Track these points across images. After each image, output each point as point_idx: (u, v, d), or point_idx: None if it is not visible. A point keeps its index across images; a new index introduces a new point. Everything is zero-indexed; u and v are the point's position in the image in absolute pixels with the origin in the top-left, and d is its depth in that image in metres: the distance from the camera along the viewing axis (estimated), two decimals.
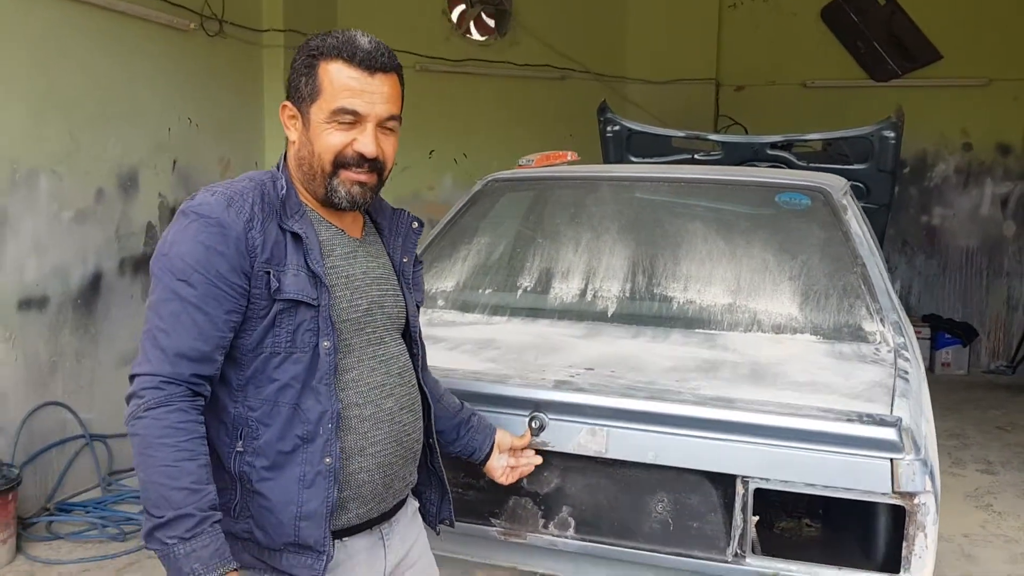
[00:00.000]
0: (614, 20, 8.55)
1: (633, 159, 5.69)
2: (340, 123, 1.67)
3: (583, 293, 2.96)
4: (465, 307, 3.03)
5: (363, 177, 1.71)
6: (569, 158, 3.73)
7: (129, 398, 1.55)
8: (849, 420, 2.05)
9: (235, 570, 1.54)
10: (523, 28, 8.23)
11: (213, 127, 5.85)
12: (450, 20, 8.09)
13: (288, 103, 1.72)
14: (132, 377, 1.57)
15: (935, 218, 8.50)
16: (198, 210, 1.60)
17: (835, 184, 3.25)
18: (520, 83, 8.15)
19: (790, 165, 5.44)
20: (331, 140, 1.67)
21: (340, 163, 1.68)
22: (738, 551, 2.13)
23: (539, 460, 2.20)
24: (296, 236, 1.65)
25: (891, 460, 2.02)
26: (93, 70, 4.81)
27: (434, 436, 1.97)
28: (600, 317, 2.87)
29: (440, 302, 3.06)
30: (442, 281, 3.12)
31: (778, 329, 2.75)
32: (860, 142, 5.25)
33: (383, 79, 1.69)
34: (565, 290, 2.99)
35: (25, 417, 4.33)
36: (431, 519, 2.04)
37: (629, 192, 3.34)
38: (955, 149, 8.40)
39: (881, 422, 2.05)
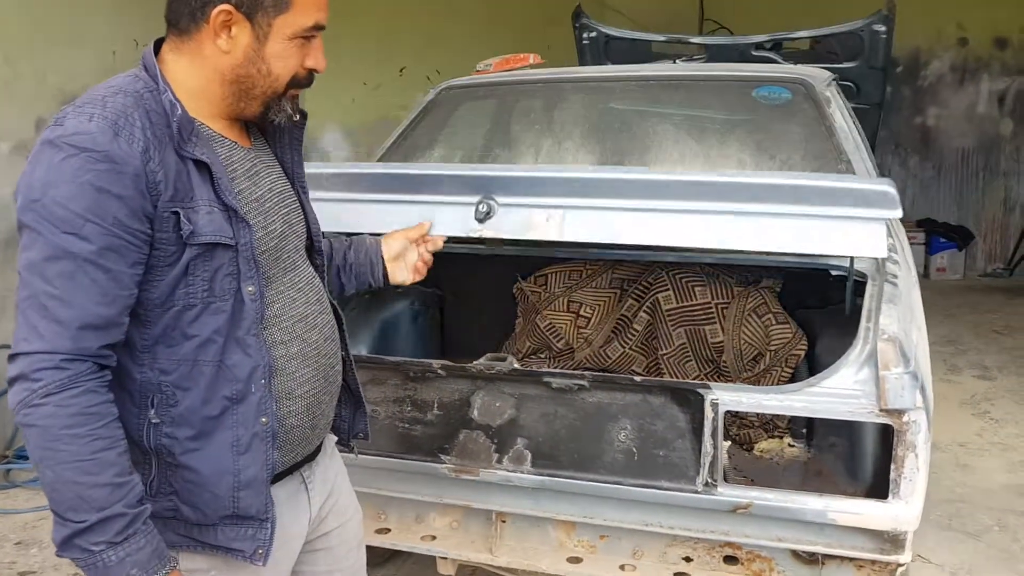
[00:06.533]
0: None
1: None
2: (305, 39, 1.44)
3: None
4: None
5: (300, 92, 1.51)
6: (532, 61, 3.44)
7: (14, 381, 1.29)
8: (840, 178, 1.90)
9: (175, 568, 1.35)
10: None
11: None
12: None
13: (230, 7, 1.39)
14: (15, 356, 1.29)
15: (929, 118, 8.18)
16: (75, 142, 1.29)
17: (818, 75, 2.98)
18: None
19: None
20: (295, 60, 1.44)
21: (293, 83, 1.47)
22: (709, 480, 1.93)
23: (440, 242, 1.93)
24: (200, 164, 1.38)
25: (887, 222, 1.83)
26: None
27: (347, 348, 1.73)
28: None
29: None
30: None
31: None
32: (850, 38, 4.96)
33: None
34: None
35: None
36: (343, 436, 1.79)
37: (596, 94, 3.07)
38: (950, 45, 8.04)
39: (874, 181, 1.81)
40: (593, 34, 5.44)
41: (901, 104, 8.08)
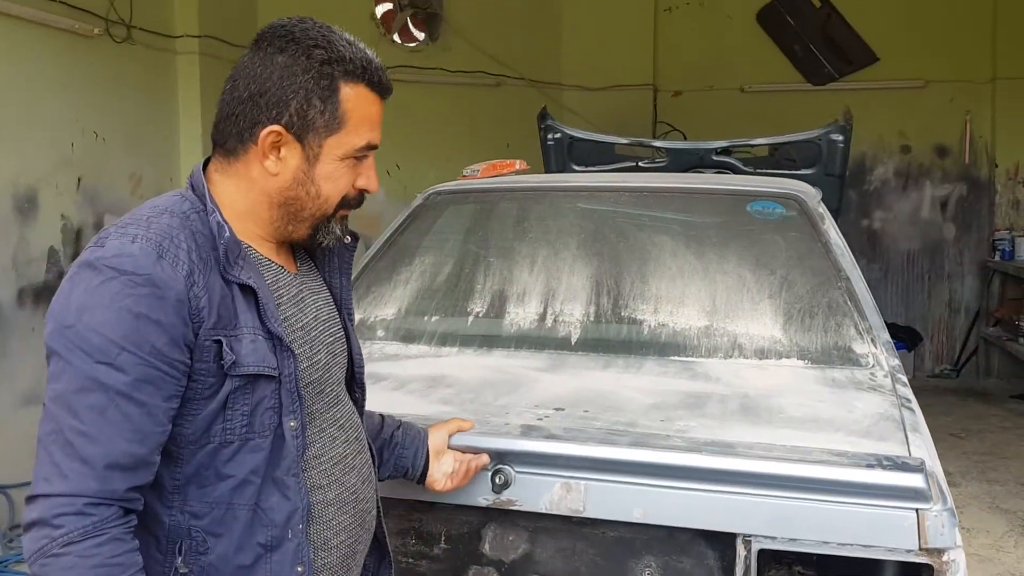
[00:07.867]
0: (548, 25, 8.29)
1: (576, 167, 5.44)
2: (356, 160, 1.38)
3: (542, 318, 2.64)
4: (409, 337, 2.68)
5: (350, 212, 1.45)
6: (518, 167, 3.42)
7: (32, 526, 1.16)
8: (869, 466, 1.77)
9: None
10: (455, 33, 7.90)
11: (122, 141, 5.37)
12: (379, 25, 7.72)
13: (280, 128, 1.32)
14: (34, 497, 1.17)
15: (876, 222, 8.41)
16: (116, 264, 1.20)
17: (808, 191, 3.00)
18: (453, 90, 7.82)
19: (735, 171, 5.24)
20: (346, 181, 1.37)
21: (343, 204, 1.40)
22: None
23: (486, 459, 1.85)
24: (246, 288, 1.29)
25: (917, 511, 1.75)
26: None
27: (377, 490, 1.64)
28: (563, 346, 2.55)
29: (380, 332, 2.71)
30: (381, 308, 2.77)
31: (762, 354, 2.47)
32: (807, 146, 5.10)
33: None
34: (522, 315, 2.67)
35: None
36: None
37: (588, 203, 3.04)
38: (893, 152, 8.33)
39: (904, 467, 1.77)
40: (558, 135, 5.50)
41: (848, 208, 8.30)
